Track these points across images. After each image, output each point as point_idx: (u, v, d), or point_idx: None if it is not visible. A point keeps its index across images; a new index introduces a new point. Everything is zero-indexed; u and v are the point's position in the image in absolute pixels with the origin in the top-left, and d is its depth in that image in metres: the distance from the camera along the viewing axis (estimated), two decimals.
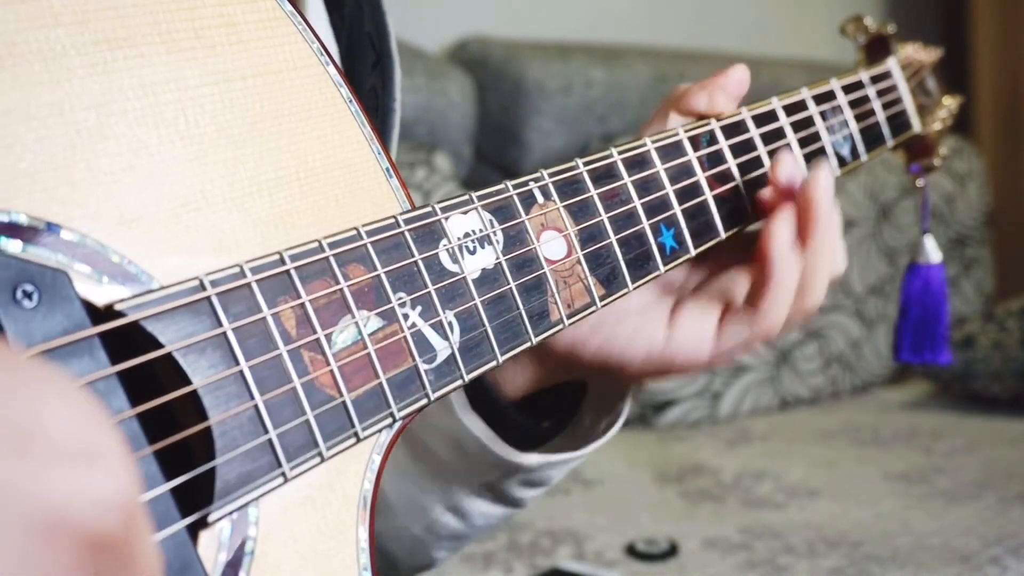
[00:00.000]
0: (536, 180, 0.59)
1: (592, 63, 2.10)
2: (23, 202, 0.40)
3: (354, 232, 0.49)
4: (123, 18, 0.44)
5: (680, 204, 0.67)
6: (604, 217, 0.62)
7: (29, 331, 0.38)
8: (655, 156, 0.66)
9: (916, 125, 0.90)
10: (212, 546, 0.43)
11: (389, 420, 0.49)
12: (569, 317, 0.59)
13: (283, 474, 0.45)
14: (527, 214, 0.58)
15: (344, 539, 0.48)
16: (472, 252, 0.54)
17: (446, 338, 0.52)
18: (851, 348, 2.25)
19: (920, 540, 1.37)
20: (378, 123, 0.69)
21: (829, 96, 0.79)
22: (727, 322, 0.66)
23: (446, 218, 0.54)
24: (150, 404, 0.40)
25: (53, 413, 0.31)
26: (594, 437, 0.72)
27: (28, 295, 0.38)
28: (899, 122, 0.88)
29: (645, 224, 0.64)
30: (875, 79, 0.85)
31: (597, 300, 0.61)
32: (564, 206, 0.60)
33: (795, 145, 0.75)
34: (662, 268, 0.65)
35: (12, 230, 0.39)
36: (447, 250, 0.53)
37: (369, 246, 0.50)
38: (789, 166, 0.67)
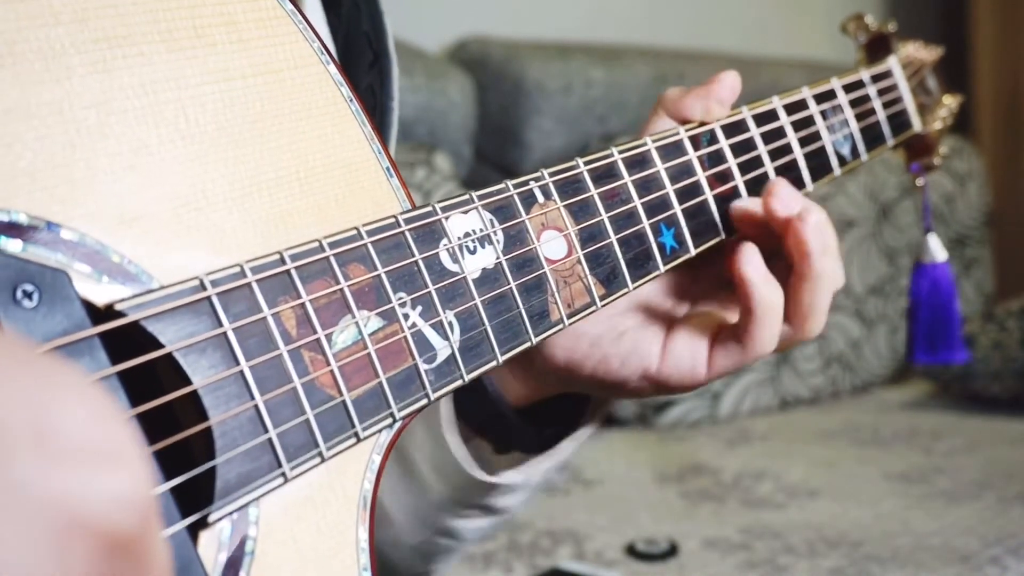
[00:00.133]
0: (536, 180, 0.59)
1: (592, 63, 2.10)
2: (23, 201, 0.40)
3: (354, 232, 0.49)
4: (123, 16, 0.44)
5: (680, 203, 0.66)
6: (604, 217, 0.62)
7: (29, 331, 0.38)
8: (655, 155, 0.66)
9: (916, 124, 0.90)
10: (212, 546, 0.43)
11: (389, 420, 0.49)
12: (569, 317, 0.59)
13: (283, 474, 0.44)
14: (527, 214, 0.58)
15: (344, 539, 0.48)
16: (472, 252, 0.54)
17: (446, 338, 0.52)
18: (851, 348, 2.25)
19: (920, 540, 1.37)
20: (376, 122, 0.69)
21: (830, 95, 0.79)
22: (718, 346, 0.66)
23: (446, 218, 0.54)
24: (150, 404, 0.40)
25: (70, 410, 0.31)
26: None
27: (28, 295, 0.38)
28: (899, 121, 0.87)
29: (645, 224, 0.64)
30: (876, 78, 0.85)
31: (597, 300, 0.61)
32: (564, 206, 0.60)
33: (795, 145, 0.75)
34: (662, 268, 0.65)
35: (12, 229, 0.39)
36: (447, 250, 0.53)
37: (369, 246, 0.50)
38: (784, 200, 0.66)
